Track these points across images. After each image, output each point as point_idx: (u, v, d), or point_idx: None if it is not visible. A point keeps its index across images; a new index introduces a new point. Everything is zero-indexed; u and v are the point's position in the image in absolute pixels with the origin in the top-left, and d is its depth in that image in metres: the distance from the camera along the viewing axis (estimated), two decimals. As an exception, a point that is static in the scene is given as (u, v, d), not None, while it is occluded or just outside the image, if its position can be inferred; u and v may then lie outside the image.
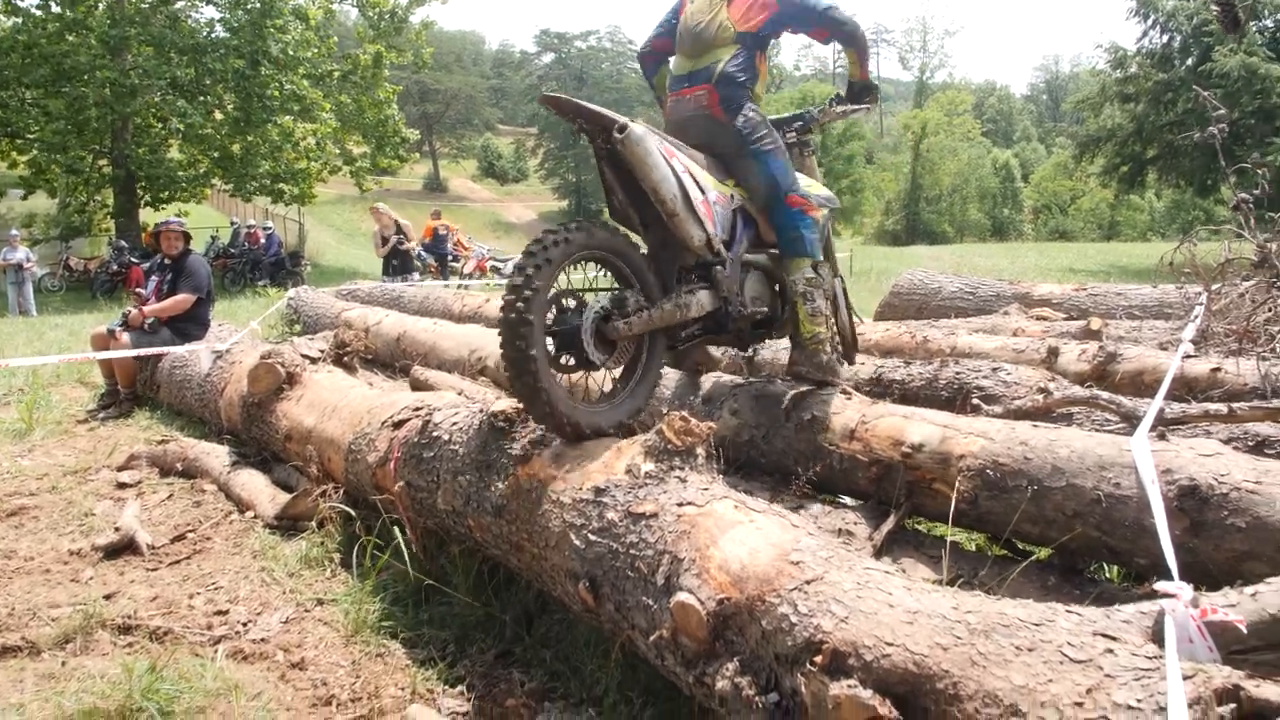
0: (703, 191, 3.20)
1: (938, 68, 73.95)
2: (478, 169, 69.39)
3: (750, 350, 4.47)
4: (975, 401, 3.68)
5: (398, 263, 11.89)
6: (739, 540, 2.02)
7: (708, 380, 4.04)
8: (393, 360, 6.33)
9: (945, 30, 76.46)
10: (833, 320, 3.84)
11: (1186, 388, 4.01)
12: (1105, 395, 3.14)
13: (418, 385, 5.32)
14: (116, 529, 3.77)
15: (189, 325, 6.50)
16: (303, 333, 7.75)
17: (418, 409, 3.53)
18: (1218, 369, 3.99)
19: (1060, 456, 2.57)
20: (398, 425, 3.52)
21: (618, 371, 3.14)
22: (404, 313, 7.50)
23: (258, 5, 18.57)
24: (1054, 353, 4.62)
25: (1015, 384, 3.78)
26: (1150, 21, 20.01)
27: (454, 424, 3.22)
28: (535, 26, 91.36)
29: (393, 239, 11.95)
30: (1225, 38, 16.87)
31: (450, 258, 16.58)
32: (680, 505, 2.29)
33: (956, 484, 2.76)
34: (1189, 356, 4.17)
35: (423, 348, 6.04)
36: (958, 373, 3.98)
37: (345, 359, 5.05)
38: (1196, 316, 5.70)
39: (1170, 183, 22.28)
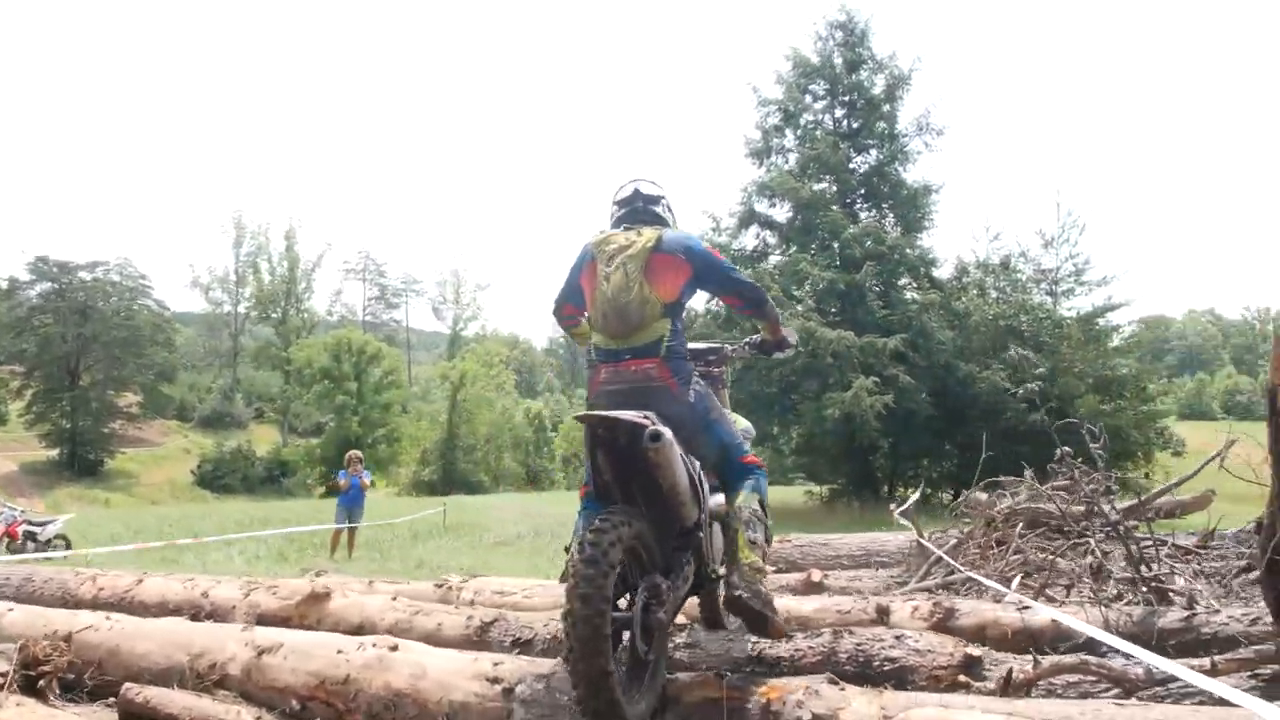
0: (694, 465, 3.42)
1: (470, 319, 78.28)
2: (-56, 411, 58.25)
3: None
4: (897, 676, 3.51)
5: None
6: None
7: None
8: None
9: (477, 284, 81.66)
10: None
11: (1031, 640, 4.21)
12: (1094, 660, 3.16)
13: (133, 711, 3.92)
14: None
15: None
16: None
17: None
18: (1056, 621, 4.26)
19: (1177, 740, 2.46)
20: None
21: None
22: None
23: None
24: (884, 611, 4.66)
25: (929, 651, 3.68)
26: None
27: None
28: (29, 253, 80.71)
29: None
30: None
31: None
32: None
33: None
34: (1024, 608, 4.43)
35: (96, 653, 4.50)
36: (859, 644, 3.80)
37: (40, 683, 3.59)
38: (932, 569, 6.23)
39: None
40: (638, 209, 3.79)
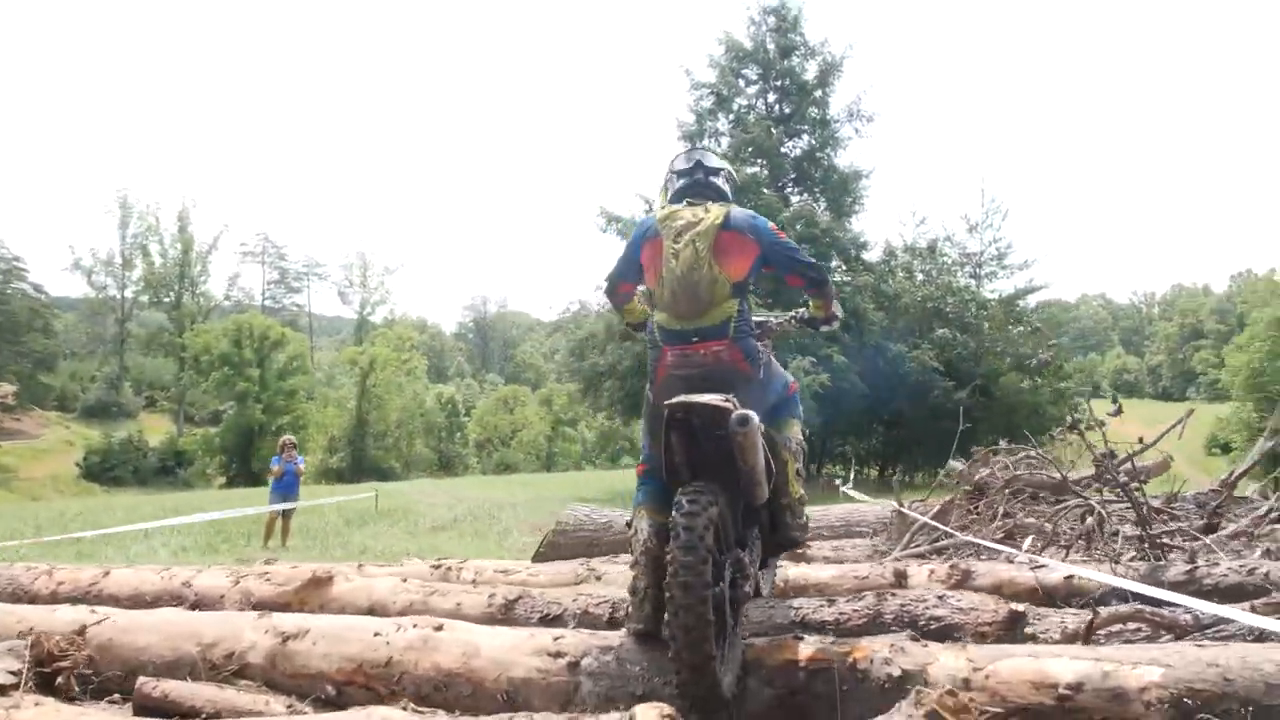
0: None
1: (379, 304, 76.73)
2: None
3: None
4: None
5: None
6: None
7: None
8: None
9: (385, 267, 79.91)
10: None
11: (1048, 597, 4.40)
12: (1149, 609, 3.33)
13: (149, 706, 3.78)
14: None
15: None
16: None
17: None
18: (1070, 577, 4.46)
19: (1268, 673, 2.62)
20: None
21: None
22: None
23: None
24: (902, 575, 4.79)
25: (972, 609, 3.83)
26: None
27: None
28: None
29: None
30: None
31: None
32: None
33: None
34: (1038, 567, 4.62)
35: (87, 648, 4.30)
36: (903, 605, 3.92)
37: (59, 679, 3.44)
38: (915, 537, 6.42)
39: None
40: (700, 181, 3.73)
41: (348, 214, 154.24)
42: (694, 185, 3.72)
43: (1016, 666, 2.92)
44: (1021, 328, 22.68)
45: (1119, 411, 4.89)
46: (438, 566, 5.85)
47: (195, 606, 5.12)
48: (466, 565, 5.83)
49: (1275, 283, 38.97)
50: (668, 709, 2.28)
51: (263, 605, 4.95)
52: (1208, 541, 4.61)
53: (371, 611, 4.73)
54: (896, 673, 3.03)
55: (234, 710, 3.69)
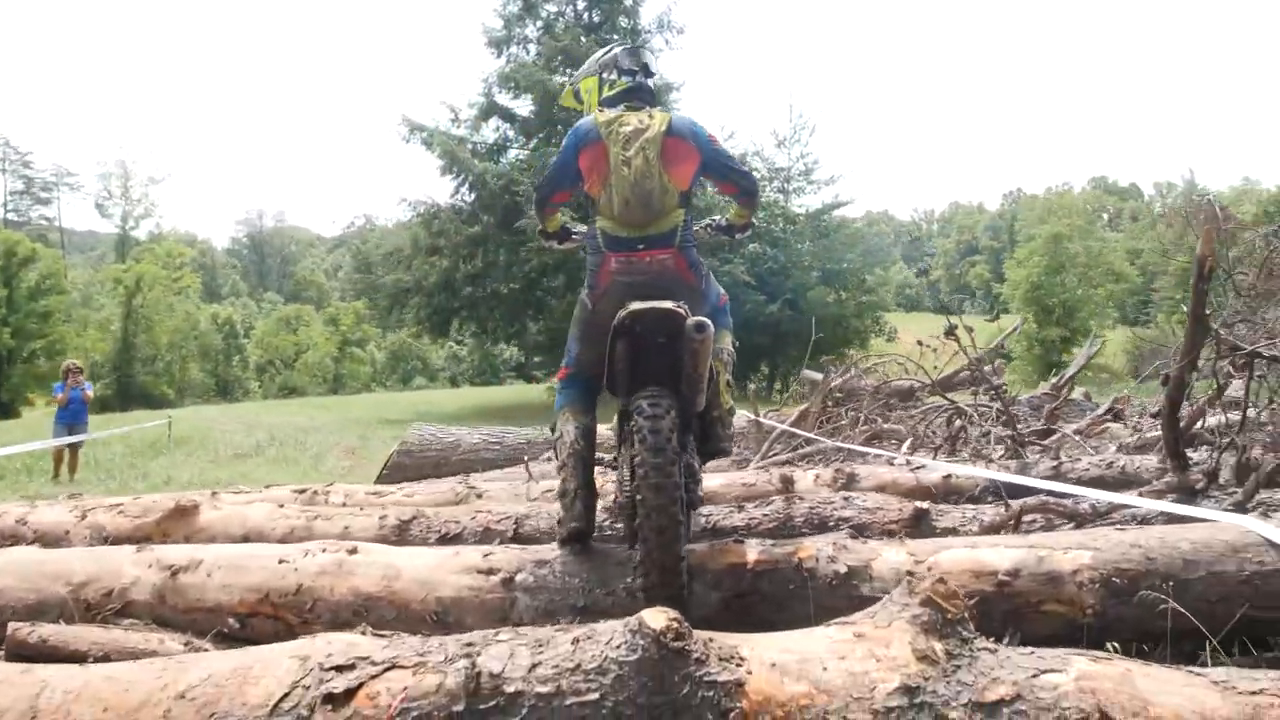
0: None
1: (143, 217, 70.71)
2: None
3: None
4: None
5: None
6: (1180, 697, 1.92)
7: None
8: None
9: (150, 177, 73.58)
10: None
11: (928, 495, 4.71)
12: (1053, 500, 3.62)
13: (25, 653, 3.43)
14: None
15: None
16: None
17: (378, 665, 2.32)
18: (949, 476, 4.79)
19: (1184, 550, 2.92)
20: (347, 696, 2.30)
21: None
22: None
23: None
24: (789, 481, 4.97)
25: (878, 509, 4.04)
26: (461, 179, 22.36)
27: (532, 669, 2.24)
28: None
29: None
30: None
31: None
32: (1045, 674, 2.10)
33: (1077, 600, 2.91)
34: (918, 468, 4.92)
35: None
36: (812, 508, 4.08)
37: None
38: (773, 445, 6.67)
39: (472, 332, 24.98)
40: (641, 84, 3.65)
41: (104, 118, 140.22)
42: (637, 89, 3.63)
43: (956, 558, 3.11)
44: (827, 241, 23.84)
45: (997, 318, 5.22)
46: (302, 491, 5.58)
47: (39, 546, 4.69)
48: (334, 489, 5.58)
49: (1051, 200, 42.54)
50: (673, 612, 2.27)
51: (120, 540, 4.60)
52: (1072, 434, 5.05)
53: (246, 539, 4.49)
54: (843, 569, 3.16)
55: (125, 651, 3.40)
